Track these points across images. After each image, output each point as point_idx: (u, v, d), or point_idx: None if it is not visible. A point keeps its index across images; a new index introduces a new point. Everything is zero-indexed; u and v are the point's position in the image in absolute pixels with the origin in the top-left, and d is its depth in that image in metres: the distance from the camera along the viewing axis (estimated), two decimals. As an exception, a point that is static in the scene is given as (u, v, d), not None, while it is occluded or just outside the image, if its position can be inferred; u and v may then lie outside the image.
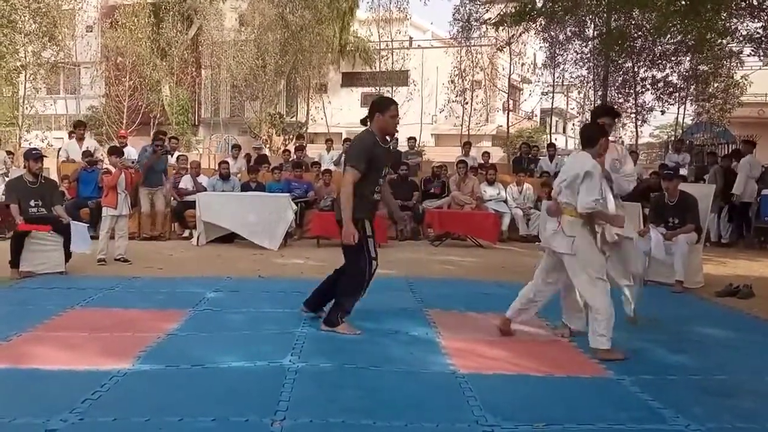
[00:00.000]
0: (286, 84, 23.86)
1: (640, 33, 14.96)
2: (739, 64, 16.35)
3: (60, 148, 11.39)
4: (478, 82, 20.44)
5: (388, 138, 4.27)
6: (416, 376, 3.44)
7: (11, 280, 5.98)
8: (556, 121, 29.25)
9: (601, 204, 3.75)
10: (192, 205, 8.92)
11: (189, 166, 10.00)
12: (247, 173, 10.06)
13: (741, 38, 12.90)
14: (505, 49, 18.06)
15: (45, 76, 18.59)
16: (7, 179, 8.49)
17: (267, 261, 7.49)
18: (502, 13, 13.92)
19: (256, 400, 3.02)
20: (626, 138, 18.22)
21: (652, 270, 6.28)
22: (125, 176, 7.11)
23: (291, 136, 20.96)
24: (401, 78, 21.31)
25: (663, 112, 17.57)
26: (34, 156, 6.47)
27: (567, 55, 17.98)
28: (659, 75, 16.70)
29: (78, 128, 10.68)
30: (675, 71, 16.51)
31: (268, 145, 20.17)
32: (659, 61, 16.15)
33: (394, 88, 19.63)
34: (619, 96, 17.38)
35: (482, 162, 11.53)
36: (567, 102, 25.14)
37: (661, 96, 16.94)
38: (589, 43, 16.77)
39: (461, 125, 19.35)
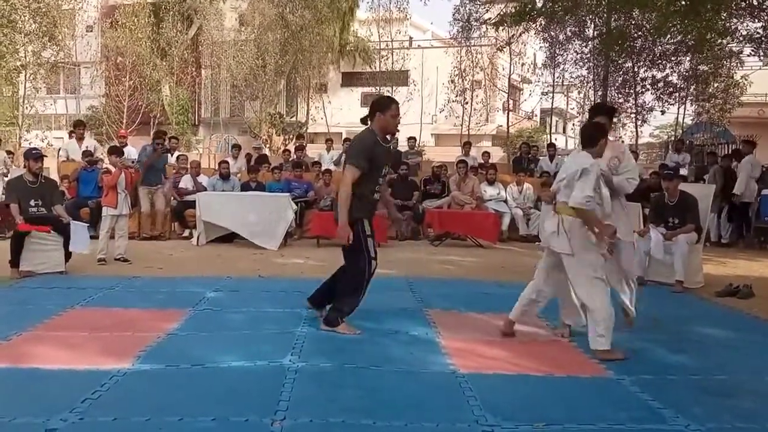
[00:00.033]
0: (286, 84, 23.87)
1: (640, 33, 14.97)
2: (739, 64, 16.36)
3: (60, 148, 11.39)
4: (478, 82, 20.46)
5: (388, 137, 4.27)
6: (416, 376, 3.44)
7: (11, 279, 5.98)
8: (556, 121, 29.25)
9: (591, 204, 3.74)
10: (192, 204, 8.92)
11: (189, 166, 10.00)
12: (247, 173, 10.06)
13: (741, 38, 12.91)
14: (505, 49, 18.07)
15: (45, 76, 18.60)
16: (6, 179, 8.49)
17: (267, 261, 7.49)
18: (502, 13, 13.94)
19: (256, 400, 3.02)
20: (626, 138, 18.21)
21: (652, 270, 6.30)
22: (125, 176, 7.11)
23: (291, 136, 20.97)
24: (401, 78, 21.32)
25: (663, 112, 17.61)
26: (34, 156, 6.47)
27: (567, 55, 18.01)
28: (659, 75, 16.73)
29: (78, 128, 10.67)
30: (675, 71, 16.53)
31: (268, 145, 20.18)
32: (659, 61, 16.15)
33: (394, 88, 19.63)
34: (619, 96, 17.39)
35: (482, 162, 11.53)
36: (567, 102, 25.15)
37: (661, 96, 16.95)
38: (589, 43, 16.78)
39: (461, 125, 19.36)
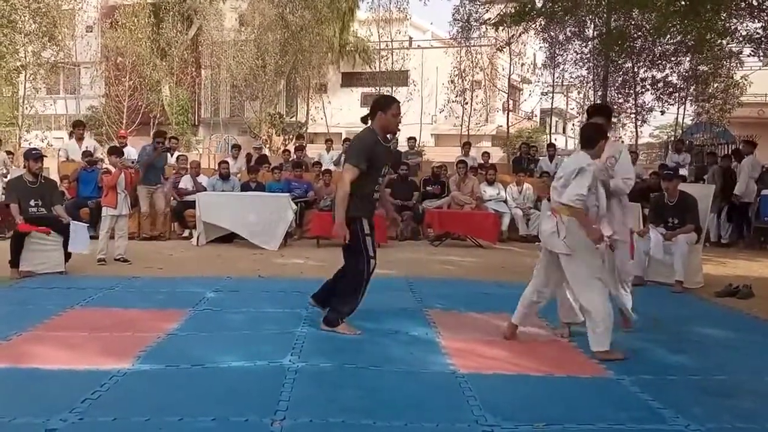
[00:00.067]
0: (286, 84, 23.86)
1: (640, 33, 14.97)
2: (738, 65, 16.37)
3: (60, 148, 11.39)
4: (477, 82, 20.46)
5: (389, 136, 4.27)
6: (416, 376, 3.44)
7: (11, 279, 5.98)
8: (556, 122, 29.26)
9: (581, 202, 3.74)
10: (192, 205, 8.92)
11: (189, 166, 10.00)
12: (247, 173, 10.06)
13: (741, 38, 12.90)
14: (504, 50, 18.07)
15: (45, 76, 18.59)
16: (6, 179, 8.49)
17: (267, 261, 7.49)
18: (501, 13, 13.95)
19: (256, 400, 3.02)
20: (626, 138, 18.23)
21: (651, 270, 6.30)
22: (125, 176, 7.11)
23: (291, 136, 20.97)
24: (401, 78, 21.32)
25: (663, 113, 17.62)
26: (34, 156, 6.47)
27: (567, 55, 18.02)
28: (659, 75, 16.74)
29: (77, 128, 10.66)
30: (675, 71, 16.55)
31: (267, 145, 20.17)
32: (659, 61, 16.16)
33: (394, 88, 19.63)
34: (619, 96, 17.40)
35: (482, 162, 11.54)
36: (567, 102, 25.15)
37: (661, 96, 16.96)
38: (589, 43, 16.79)
39: (461, 125, 19.36)
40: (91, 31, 23.27)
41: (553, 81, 18.89)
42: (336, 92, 26.83)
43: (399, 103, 4.26)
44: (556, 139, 22.94)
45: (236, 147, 12.12)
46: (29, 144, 16.75)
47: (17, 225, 6.23)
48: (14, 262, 6.11)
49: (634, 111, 17.39)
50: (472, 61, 19.41)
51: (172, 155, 10.18)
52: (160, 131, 10.47)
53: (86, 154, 9.72)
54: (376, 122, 4.16)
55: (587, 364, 3.75)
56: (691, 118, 18.28)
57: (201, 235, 8.63)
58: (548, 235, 3.98)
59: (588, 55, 17.22)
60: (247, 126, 23.13)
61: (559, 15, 13.00)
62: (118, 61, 20.73)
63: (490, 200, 10.15)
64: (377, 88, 20.34)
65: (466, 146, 12.42)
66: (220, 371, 3.45)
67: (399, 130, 4.68)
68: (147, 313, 4.71)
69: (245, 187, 9.60)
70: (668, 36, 13.76)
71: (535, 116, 28.12)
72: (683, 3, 10.15)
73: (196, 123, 26.00)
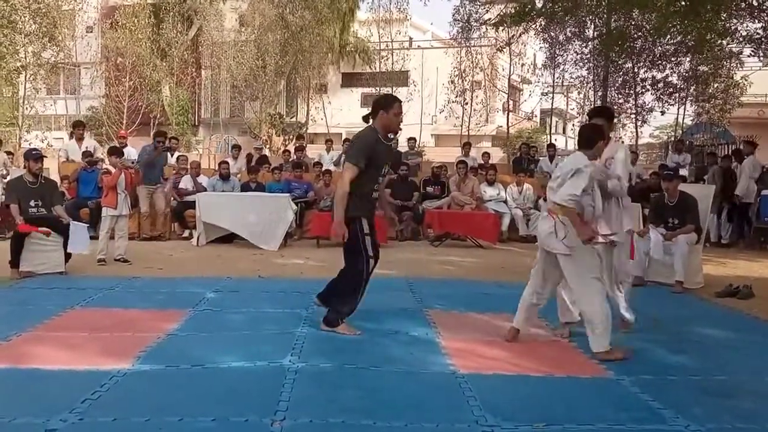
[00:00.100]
0: (286, 84, 23.87)
1: (640, 33, 14.97)
2: (739, 65, 16.37)
3: (60, 149, 11.39)
4: (477, 83, 20.46)
5: (390, 135, 4.27)
6: (416, 376, 3.44)
7: (11, 280, 5.98)
8: (556, 122, 29.25)
9: (574, 203, 3.73)
10: (192, 205, 8.92)
11: (189, 167, 10.00)
12: (247, 173, 10.06)
13: (741, 39, 12.91)
14: (504, 50, 18.09)
15: (45, 77, 18.60)
16: (6, 180, 8.49)
17: (267, 261, 7.49)
18: (501, 13, 13.97)
19: (256, 400, 3.02)
20: (626, 138, 18.23)
21: (651, 270, 6.29)
22: (125, 176, 7.11)
23: (291, 137, 20.97)
24: (401, 78, 21.32)
25: (663, 113, 17.61)
26: (34, 156, 6.47)
27: (567, 55, 18.02)
28: (659, 75, 16.74)
29: (77, 128, 10.67)
30: (675, 72, 16.54)
31: (268, 146, 20.18)
32: (659, 61, 16.16)
33: (394, 88, 19.62)
34: (619, 96, 17.40)
35: (482, 162, 11.54)
36: (567, 102, 25.14)
37: (661, 96, 16.96)
38: (589, 43, 16.79)
39: (461, 126, 19.36)
40: (91, 32, 23.26)
41: (553, 81, 18.90)
42: (336, 92, 26.84)
43: (401, 102, 4.26)
44: (556, 140, 22.92)
45: (236, 147, 12.13)
46: (29, 144, 16.75)
47: (17, 225, 6.23)
48: (14, 263, 6.11)
49: (634, 111, 17.38)
50: (472, 62, 19.41)
51: (172, 155, 10.19)
52: (161, 131, 10.48)
53: (86, 154, 9.72)
54: (377, 121, 4.16)
55: (587, 365, 3.74)
56: (692, 118, 18.29)
57: (201, 236, 8.64)
58: (546, 236, 3.97)
59: (588, 56, 17.22)
60: (247, 126, 23.14)
61: (559, 15, 13.01)
62: (118, 62, 20.74)
63: (490, 200, 10.15)
64: (377, 88, 20.34)
65: (466, 146, 12.43)
66: (220, 371, 3.45)
67: (400, 129, 4.68)
68: (147, 314, 4.71)
69: (245, 188, 9.61)
70: (668, 36, 13.77)
71: (535, 116, 28.11)
72: (683, 3, 10.16)
73: (196, 123, 26.01)
